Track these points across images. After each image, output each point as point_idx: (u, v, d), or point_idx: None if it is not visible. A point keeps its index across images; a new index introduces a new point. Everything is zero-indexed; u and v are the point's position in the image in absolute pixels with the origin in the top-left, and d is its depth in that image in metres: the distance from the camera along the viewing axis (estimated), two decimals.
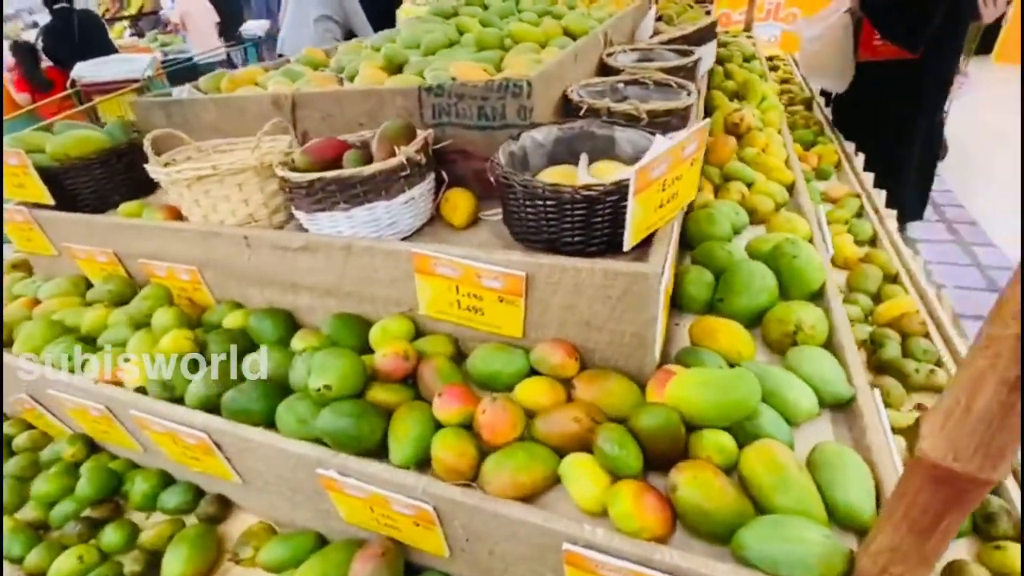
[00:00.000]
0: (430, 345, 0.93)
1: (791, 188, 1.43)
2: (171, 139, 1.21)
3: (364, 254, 0.92)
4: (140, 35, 7.20)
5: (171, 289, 1.18)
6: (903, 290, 1.34)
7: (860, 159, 2.12)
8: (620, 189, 0.76)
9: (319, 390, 0.78)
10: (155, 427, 0.92)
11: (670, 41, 1.64)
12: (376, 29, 3.54)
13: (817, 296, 0.99)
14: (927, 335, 1.19)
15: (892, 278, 1.39)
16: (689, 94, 1.14)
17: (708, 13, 2.46)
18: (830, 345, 0.87)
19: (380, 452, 0.78)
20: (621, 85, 1.30)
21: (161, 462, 1.08)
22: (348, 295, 1.00)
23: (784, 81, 3.04)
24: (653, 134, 0.94)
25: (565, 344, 0.83)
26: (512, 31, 1.39)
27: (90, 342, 1.14)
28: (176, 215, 1.22)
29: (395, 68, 1.33)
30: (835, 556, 0.54)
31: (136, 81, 2.73)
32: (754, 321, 0.94)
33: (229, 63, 4.56)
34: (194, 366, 0.96)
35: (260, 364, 0.93)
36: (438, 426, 0.79)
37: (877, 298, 1.30)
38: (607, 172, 0.97)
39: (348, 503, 0.79)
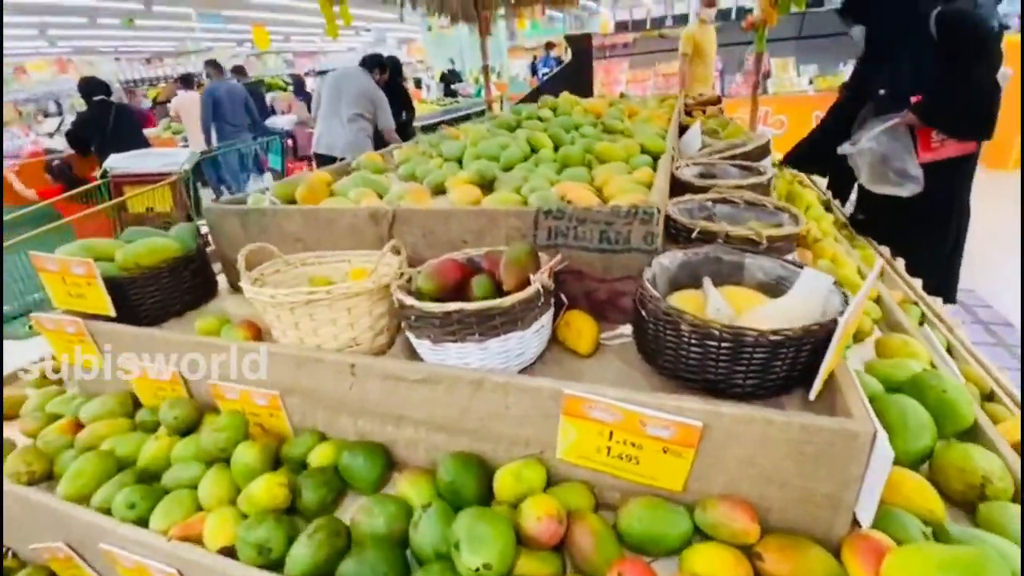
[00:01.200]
0: (571, 497, 0.82)
1: (877, 301, 1.42)
2: (255, 251, 1.15)
3: (497, 390, 0.84)
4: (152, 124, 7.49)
5: (243, 414, 1.06)
6: (1007, 411, 1.29)
7: (900, 263, 2.17)
8: (809, 334, 0.71)
9: (478, 571, 0.65)
10: None
11: (731, 156, 1.70)
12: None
13: (967, 434, 0.93)
14: None
15: (988, 396, 1.34)
16: (794, 218, 1.15)
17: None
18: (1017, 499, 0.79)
19: None
20: (710, 203, 1.32)
21: None
22: (465, 431, 0.90)
23: (799, 183, 3.21)
24: (795, 264, 0.91)
25: (745, 505, 0.73)
26: (597, 150, 1.42)
27: (150, 480, 1.00)
28: (256, 332, 1.13)
29: (487, 183, 1.33)
30: None
31: (170, 175, 2.73)
32: (912, 466, 0.86)
33: (255, 156, 4.71)
34: (291, 525, 0.82)
35: (373, 517, 0.80)
36: None
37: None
38: (742, 300, 0.93)
39: None
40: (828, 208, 2.72)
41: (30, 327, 2.32)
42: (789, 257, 1.08)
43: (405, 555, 0.78)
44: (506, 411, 0.85)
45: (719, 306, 0.92)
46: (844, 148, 2.59)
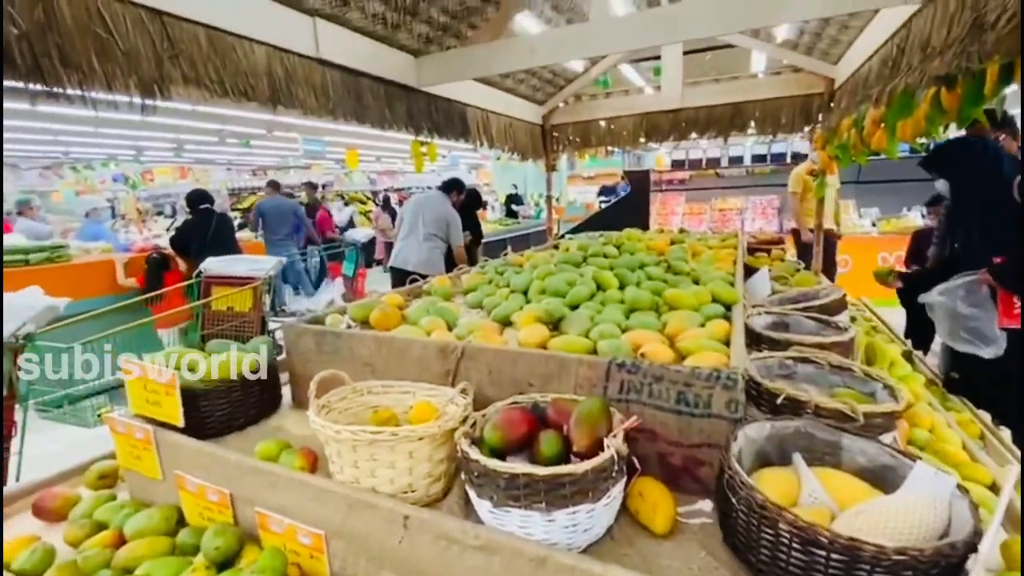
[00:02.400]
0: None
1: (992, 488, 1.23)
2: (328, 377, 1.17)
3: (562, 572, 0.75)
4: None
5: (284, 553, 1.00)
6: None
7: (1006, 434, 1.92)
8: (941, 556, 0.61)
9: None
10: None
11: (806, 308, 1.65)
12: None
13: None
14: None
15: None
16: (892, 392, 1.05)
17: (802, 268, 2.59)
18: None
19: None
20: (790, 362, 1.25)
21: None
22: None
23: (874, 330, 3.02)
24: (908, 456, 0.81)
25: None
26: (668, 297, 1.42)
27: None
28: (314, 460, 1.12)
29: (554, 321, 1.34)
30: None
31: (254, 279, 2.97)
32: None
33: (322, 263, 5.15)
34: None
35: None
36: None
37: None
38: (842, 489, 0.83)
39: None
40: (910, 359, 2.53)
41: (99, 415, 2.43)
42: (886, 438, 0.97)
43: None
44: None
45: (815, 492, 0.82)
46: (924, 297, 2.47)
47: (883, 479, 0.83)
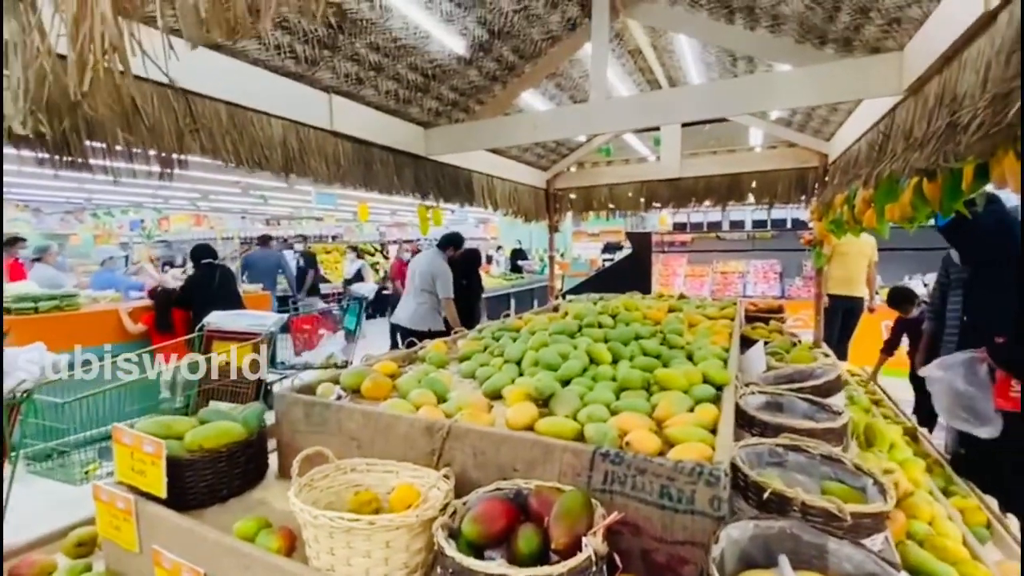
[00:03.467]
0: None
1: None
2: (315, 453, 1.17)
3: None
4: None
5: None
6: None
7: (1013, 522, 1.84)
8: None
9: None
10: None
11: (800, 389, 1.64)
12: (458, 293, 4.14)
13: None
14: None
15: None
16: (881, 489, 1.03)
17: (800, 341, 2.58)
18: None
19: None
20: (781, 449, 1.23)
21: None
22: None
23: (875, 403, 2.95)
24: (894, 567, 0.79)
25: None
26: (658, 377, 1.43)
27: None
28: (291, 542, 1.09)
29: (544, 399, 1.34)
30: None
31: (255, 335, 3.00)
32: None
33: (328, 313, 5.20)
34: None
35: None
36: None
37: None
38: None
39: None
40: (915, 438, 2.46)
41: (86, 473, 2.40)
42: (876, 540, 0.94)
43: None
44: None
45: None
46: (923, 370, 2.44)
47: None
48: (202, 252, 4.41)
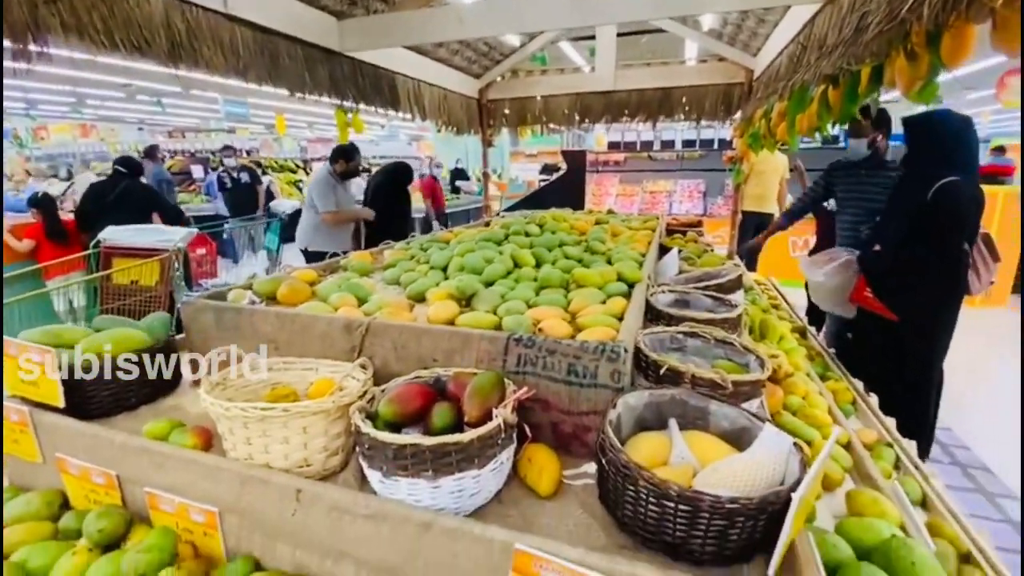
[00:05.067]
0: None
1: (847, 447, 1.41)
2: (225, 352, 1.14)
3: (446, 535, 0.79)
4: None
5: (176, 532, 0.98)
6: (982, 572, 1.22)
7: (875, 400, 2.18)
8: (767, 504, 0.70)
9: None
10: None
11: (706, 287, 1.77)
12: (387, 212, 3.98)
13: None
14: None
15: (965, 557, 1.28)
16: (761, 364, 1.17)
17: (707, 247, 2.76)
18: None
19: None
20: (681, 335, 1.35)
21: None
22: None
23: (774, 307, 3.30)
24: (760, 419, 0.91)
25: None
26: (576, 275, 1.48)
27: None
28: (207, 439, 1.09)
29: (466, 298, 1.36)
30: None
31: (164, 251, 2.77)
32: None
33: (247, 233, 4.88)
34: None
35: None
36: None
37: None
38: (707, 449, 0.92)
39: None
40: (804, 335, 2.79)
41: None
42: (753, 404, 1.08)
43: None
44: (453, 560, 0.79)
45: (683, 454, 0.91)
46: (814, 276, 2.73)
47: (741, 439, 0.94)
48: (118, 161, 3.90)
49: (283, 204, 5.91)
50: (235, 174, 6.09)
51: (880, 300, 2.34)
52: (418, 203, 6.94)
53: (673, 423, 0.97)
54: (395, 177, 4.24)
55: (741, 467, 0.82)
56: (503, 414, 0.87)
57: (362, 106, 3.02)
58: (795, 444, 0.83)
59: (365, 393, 0.97)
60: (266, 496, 0.91)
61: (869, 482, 1.26)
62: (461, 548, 0.78)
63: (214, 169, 7.44)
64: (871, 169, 2.76)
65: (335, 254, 1.98)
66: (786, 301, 3.49)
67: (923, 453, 2.50)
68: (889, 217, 2.36)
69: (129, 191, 3.78)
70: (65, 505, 1.15)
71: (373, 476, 0.87)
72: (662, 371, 1.09)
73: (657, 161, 7.40)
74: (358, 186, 5.13)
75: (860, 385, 2.30)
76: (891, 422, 1.97)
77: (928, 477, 1.64)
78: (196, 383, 1.41)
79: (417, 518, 0.80)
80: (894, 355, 2.40)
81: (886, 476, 1.53)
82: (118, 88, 10.17)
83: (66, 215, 4.26)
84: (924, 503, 1.49)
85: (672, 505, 0.72)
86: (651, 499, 0.74)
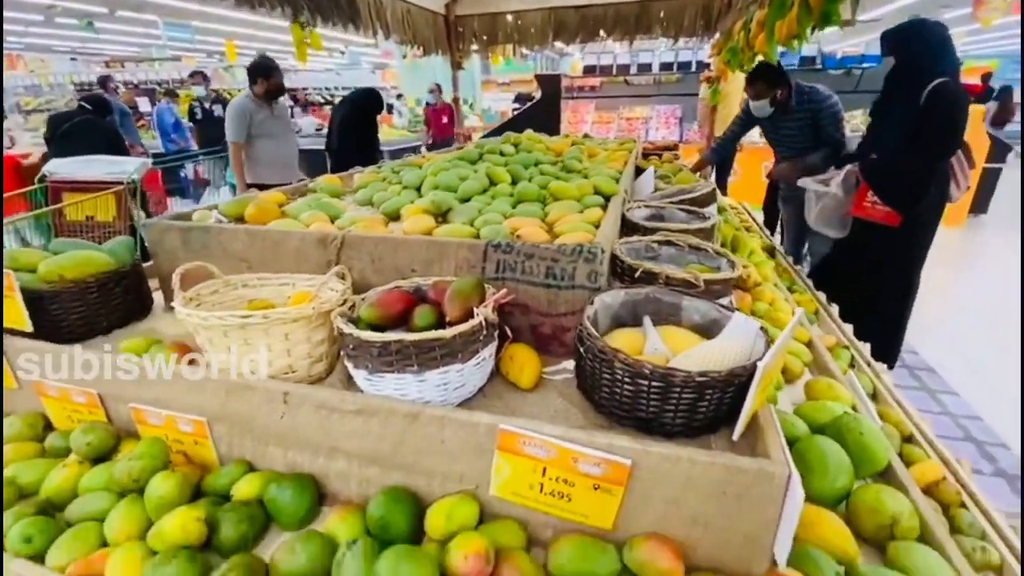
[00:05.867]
0: (502, 535, 0.80)
1: (808, 345, 1.50)
2: (195, 270, 1.11)
3: (433, 423, 0.82)
4: None
5: (165, 441, 1.00)
6: (924, 453, 1.36)
7: (835, 309, 2.31)
8: (733, 376, 0.75)
9: None
10: None
11: (680, 201, 1.79)
12: (354, 144, 3.78)
13: (882, 475, 0.98)
14: (963, 504, 1.19)
15: (907, 438, 1.42)
16: (731, 264, 1.21)
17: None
18: (924, 539, 0.84)
19: None
20: (655, 244, 1.37)
21: None
22: (399, 466, 0.88)
23: (746, 229, 3.38)
24: (730, 310, 0.95)
25: (670, 544, 0.74)
26: (552, 188, 1.47)
27: (53, 512, 0.92)
28: (187, 353, 1.08)
29: (441, 213, 1.34)
30: None
31: (117, 184, 2.61)
32: (830, 505, 0.90)
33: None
34: (205, 564, 0.77)
35: (294, 555, 0.77)
36: None
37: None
38: (678, 340, 0.96)
39: None
40: (772, 254, 2.89)
41: None
42: (724, 301, 1.13)
43: None
44: (441, 445, 0.84)
45: (656, 345, 0.95)
46: (802, 181, 2.77)
47: (712, 331, 0.98)
48: (85, 99, 3.58)
49: None
50: (207, 105, 5.62)
51: (885, 202, 2.39)
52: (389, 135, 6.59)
53: (647, 319, 1.01)
54: (361, 106, 3.97)
55: (711, 351, 0.86)
56: (483, 313, 0.88)
57: (320, 27, 2.80)
58: (761, 328, 0.87)
59: (346, 301, 0.97)
60: (253, 402, 0.93)
61: (827, 374, 1.35)
62: (448, 434, 0.82)
63: (159, 101, 6.83)
64: (782, 115, 2.96)
65: None
66: (757, 223, 3.57)
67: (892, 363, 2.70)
68: (882, 128, 2.40)
69: (83, 127, 3.49)
70: (48, 429, 1.15)
71: (359, 375, 0.89)
72: (637, 274, 1.12)
73: (634, 87, 7.18)
74: (311, 123, 4.83)
75: (823, 297, 2.43)
76: (849, 328, 2.10)
77: (879, 374, 1.77)
78: (170, 308, 1.39)
79: (404, 410, 0.83)
80: (876, 270, 2.52)
81: (842, 372, 1.65)
82: (41, 11, 9.12)
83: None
84: (875, 396, 1.62)
85: (646, 383, 0.77)
86: (626, 379, 0.78)
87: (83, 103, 3.53)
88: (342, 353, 0.92)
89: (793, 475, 0.68)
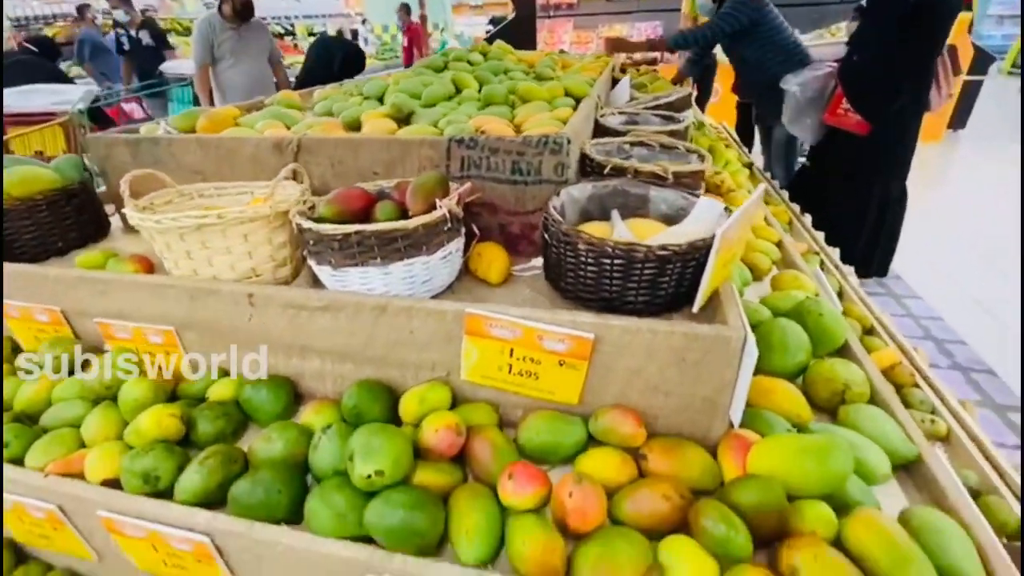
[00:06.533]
0: (474, 415, 0.83)
1: (778, 245, 1.52)
2: (147, 181, 1.06)
3: (401, 314, 0.83)
4: None
5: (138, 355, 1.00)
6: (883, 342, 1.43)
7: (808, 219, 2.33)
8: (694, 249, 0.75)
9: (369, 477, 0.66)
10: (131, 530, 0.74)
11: (655, 107, 1.73)
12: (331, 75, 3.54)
13: (839, 352, 1.02)
14: (917, 385, 1.26)
15: (868, 331, 1.48)
16: (701, 157, 1.19)
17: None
18: (874, 404, 0.89)
19: (437, 549, 0.68)
20: (627, 146, 1.34)
21: (119, 574, 0.87)
22: (371, 360, 0.89)
23: (726, 147, 3.33)
24: (694, 195, 0.95)
25: (633, 413, 0.78)
26: (521, 89, 1.40)
27: (29, 423, 0.92)
28: (148, 266, 1.06)
29: (403, 117, 1.28)
30: None
31: (62, 114, 2.45)
32: (791, 378, 0.94)
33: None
34: (183, 454, 0.79)
35: (271, 443, 0.79)
36: (503, 510, 0.69)
37: None
38: (644, 230, 0.96)
39: None
40: (750, 169, 2.87)
41: None
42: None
43: (303, 476, 0.77)
44: (410, 336, 0.85)
45: (623, 234, 0.95)
46: (787, 81, 2.71)
47: (679, 220, 0.98)
48: (30, 40, 3.27)
49: (185, 65, 4.96)
50: (133, 32, 5.10)
51: (855, 107, 2.35)
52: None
53: (615, 213, 1.00)
54: (341, 55, 3.59)
55: (675, 233, 0.87)
56: (447, 205, 0.86)
57: None
58: (726, 209, 0.87)
59: (305, 202, 0.94)
60: (219, 306, 0.92)
61: (794, 268, 1.38)
62: (417, 324, 0.83)
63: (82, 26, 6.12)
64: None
65: None
66: (735, 140, 3.52)
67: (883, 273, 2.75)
68: (866, 28, 2.32)
69: (31, 64, 3.20)
70: (17, 352, 1.14)
71: (323, 272, 0.88)
72: (606, 170, 1.10)
73: (614, 3, 6.79)
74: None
75: (796, 208, 2.44)
76: (821, 236, 2.13)
77: (846, 276, 1.82)
78: (130, 229, 1.34)
79: (372, 303, 0.83)
80: (850, 180, 2.51)
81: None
82: None
83: None
84: (841, 295, 1.67)
85: (608, 261, 0.77)
86: (590, 260, 0.79)
87: (28, 44, 3.23)
88: (305, 253, 0.90)
89: (748, 337, 0.70)
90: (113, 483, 0.77)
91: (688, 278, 0.79)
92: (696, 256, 0.76)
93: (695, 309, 0.76)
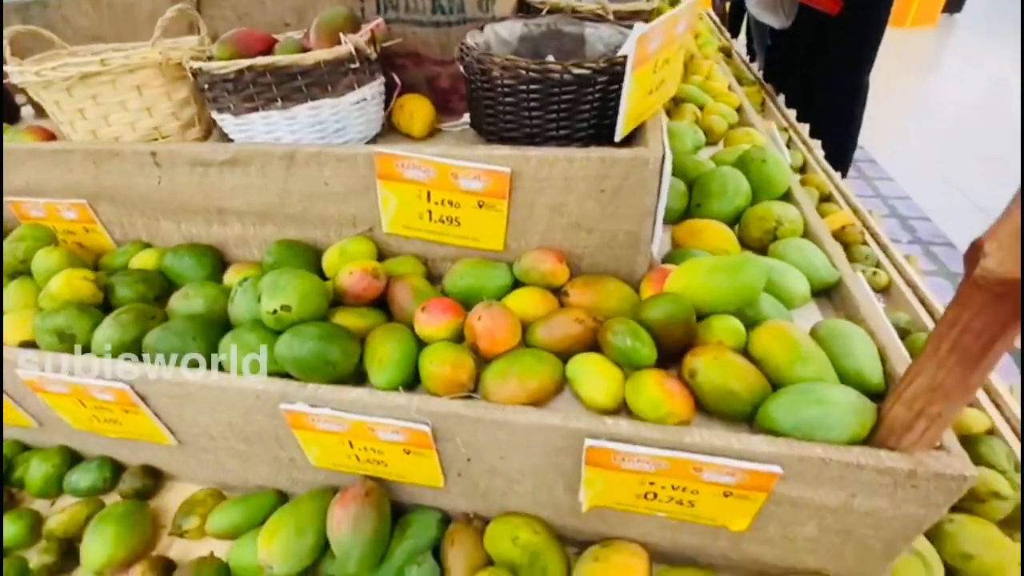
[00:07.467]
0: (398, 266, 0.82)
1: (738, 111, 1.46)
2: (35, 41, 0.96)
3: (311, 162, 0.78)
4: None
5: (54, 232, 0.95)
6: (839, 207, 1.42)
7: (781, 99, 2.23)
8: (613, 69, 0.70)
9: (275, 312, 0.65)
10: (53, 387, 0.73)
11: None
12: None
13: (783, 199, 1.00)
14: (865, 243, 1.26)
15: (827, 198, 1.46)
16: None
17: None
18: (807, 238, 0.88)
19: (352, 383, 0.68)
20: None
21: (63, 437, 0.89)
22: (291, 218, 0.85)
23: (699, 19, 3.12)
24: (629, 27, 0.87)
25: (555, 252, 0.76)
26: None
27: None
28: (49, 137, 0.99)
29: None
30: (867, 412, 0.53)
31: None
32: (730, 224, 0.93)
33: None
34: (98, 314, 0.77)
35: (189, 300, 0.77)
36: (420, 347, 0.69)
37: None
38: None
39: (320, 442, 0.68)
40: (729, 55, 2.70)
41: None
42: None
43: (222, 331, 0.76)
44: (326, 188, 0.80)
45: None
46: None
47: None
48: None
49: None
50: None
51: None
52: None
53: (550, 58, 0.93)
54: None
55: None
56: (353, 40, 0.79)
57: None
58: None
59: (204, 51, 0.86)
60: (124, 170, 0.86)
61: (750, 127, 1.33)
62: (329, 173, 0.79)
63: None
64: None
65: None
66: (715, 23, 3.30)
67: (844, 169, 2.69)
68: None
69: None
70: None
71: (227, 123, 0.82)
72: (544, 13, 1.01)
73: None
74: None
75: (771, 88, 2.33)
76: (792, 113, 2.05)
77: (811, 148, 1.77)
78: (40, 116, 1.25)
79: (279, 151, 0.78)
80: (824, 63, 2.36)
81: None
82: None
83: None
84: (804, 168, 1.63)
85: (524, 87, 0.71)
86: (506, 88, 0.73)
87: None
88: (205, 103, 0.83)
89: (667, 156, 0.67)
90: (31, 345, 0.76)
91: (612, 108, 0.74)
92: (618, 79, 0.71)
93: (616, 138, 0.72)
